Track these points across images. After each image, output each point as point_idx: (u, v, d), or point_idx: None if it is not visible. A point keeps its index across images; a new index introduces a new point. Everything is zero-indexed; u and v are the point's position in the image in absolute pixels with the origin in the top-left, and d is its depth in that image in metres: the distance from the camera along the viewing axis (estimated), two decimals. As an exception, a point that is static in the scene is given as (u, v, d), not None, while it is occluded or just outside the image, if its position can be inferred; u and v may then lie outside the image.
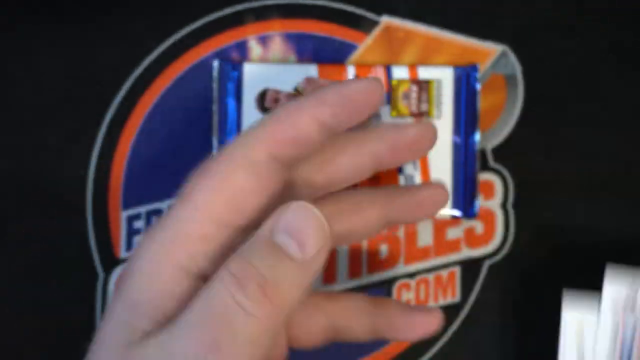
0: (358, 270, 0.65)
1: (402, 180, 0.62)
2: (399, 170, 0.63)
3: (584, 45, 0.65)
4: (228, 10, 0.66)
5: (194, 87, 0.65)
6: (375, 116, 0.63)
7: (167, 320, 0.40)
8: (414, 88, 0.63)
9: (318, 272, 0.41)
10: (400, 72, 0.63)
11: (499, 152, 0.65)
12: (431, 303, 0.65)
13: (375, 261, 0.65)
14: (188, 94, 0.65)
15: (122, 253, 0.65)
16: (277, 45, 0.65)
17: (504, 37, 0.65)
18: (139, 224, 0.65)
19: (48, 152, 0.65)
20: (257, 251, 0.40)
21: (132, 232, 0.65)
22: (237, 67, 0.63)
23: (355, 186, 0.52)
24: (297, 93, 0.63)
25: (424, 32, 0.65)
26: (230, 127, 0.63)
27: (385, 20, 0.65)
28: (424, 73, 0.63)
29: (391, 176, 0.63)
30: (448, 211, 0.62)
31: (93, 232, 0.65)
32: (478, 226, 0.65)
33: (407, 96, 0.63)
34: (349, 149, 0.50)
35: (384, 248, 0.65)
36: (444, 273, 0.65)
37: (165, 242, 0.42)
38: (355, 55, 0.65)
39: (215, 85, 0.63)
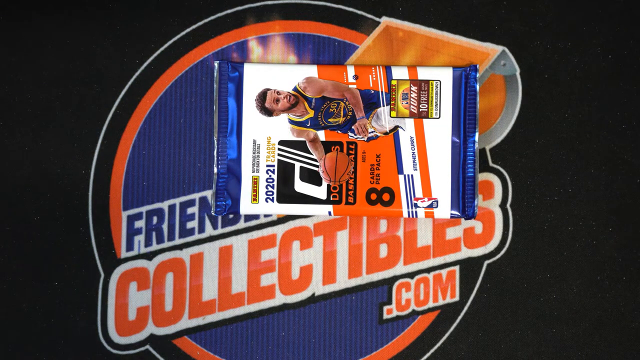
0: (358, 270, 0.65)
1: (401, 180, 0.62)
2: (399, 170, 0.63)
3: (581, 47, 0.65)
4: (228, 11, 0.66)
5: (194, 87, 0.65)
6: (375, 117, 0.63)
7: None
8: (414, 88, 0.63)
9: None
10: (400, 73, 0.63)
11: (498, 152, 0.65)
12: (431, 302, 0.65)
13: (375, 261, 0.65)
14: (188, 94, 0.65)
15: (122, 253, 0.65)
16: (277, 46, 0.65)
17: (503, 38, 0.65)
18: (139, 223, 0.65)
19: (49, 153, 0.65)
20: None
21: (132, 232, 0.65)
22: (237, 67, 0.63)
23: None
24: (297, 93, 0.63)
25: (423, 33, 0.65)
26: (231, 127, 0.63)
27: (385, 20, 0.66)
28: (423, 73, 0.63)
29: (391, 176, 0.63)
30: (447, 211, 0.62)
31: (94, 232, 0.65)
32: (477, 226, 0.65)
33: (406, 96, 0.63)
34: None
35: (383, 248, 0.65)
36: (444, 273, 0.65)
37: None
38: (355, 56, 0.65)
39: (215, 85, 0.64)
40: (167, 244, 0.65)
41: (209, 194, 0.65)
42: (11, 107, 0.65)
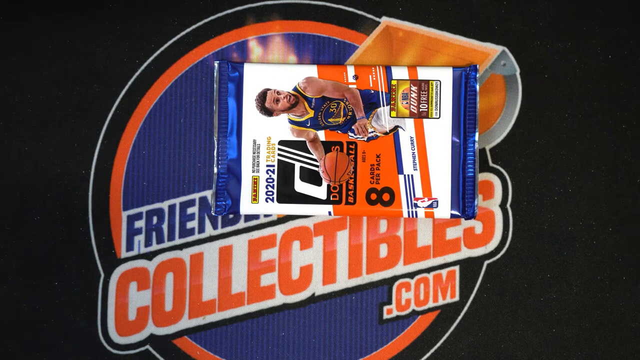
0: (358, 270, 0.65)
1: (401, 180, 0.62)
2: (399, 170, 0.63)
3: (581, 47, 0.65)
4: (228, 11, 0.66)
5: (194, 87, 0.65)
6: (375, 117, 0.63)
7: None
8: (414, 88, 0.63)
9: None
10: (400, 73, 0.63)
11: (498, 152, 0.65)
12: (431, 302, 0.65)
13: (375, 261, 0.65)
14: (188, 94, 0.65)
15: (122, 253, 0.65)
16: (277, 46, 0.65)
17: (503, 38, 0.65)
18: (139, 223, 0.65)
19: (49, 153, 0.65)
20: None
21: (132, 232, 0.65)
22: (237, 67, 0.63)
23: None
24: (297, 93, 0.63)
25: (423, 33, 0.65)
26: (231, 127, 0.63)
27: (385, 20, 0.66)
28: (423, 73, 0.63)
29: (391, 176, 0.63)
30: (447, 211, 0.62)
31: (94, 232, 0.65)
32: (477, 226, 0.65)
33: (406, 96, 0.63)
34: None
35: (383, 248, 0.65)
36: (444, 273, 0.65)
37: None
38: (355, 56, 0.65)
39: (215, 85, 0.64)
40: (167, 244, 0.65)
41: (209, 194, 0.65)
42: (11, 107, 0.65)
